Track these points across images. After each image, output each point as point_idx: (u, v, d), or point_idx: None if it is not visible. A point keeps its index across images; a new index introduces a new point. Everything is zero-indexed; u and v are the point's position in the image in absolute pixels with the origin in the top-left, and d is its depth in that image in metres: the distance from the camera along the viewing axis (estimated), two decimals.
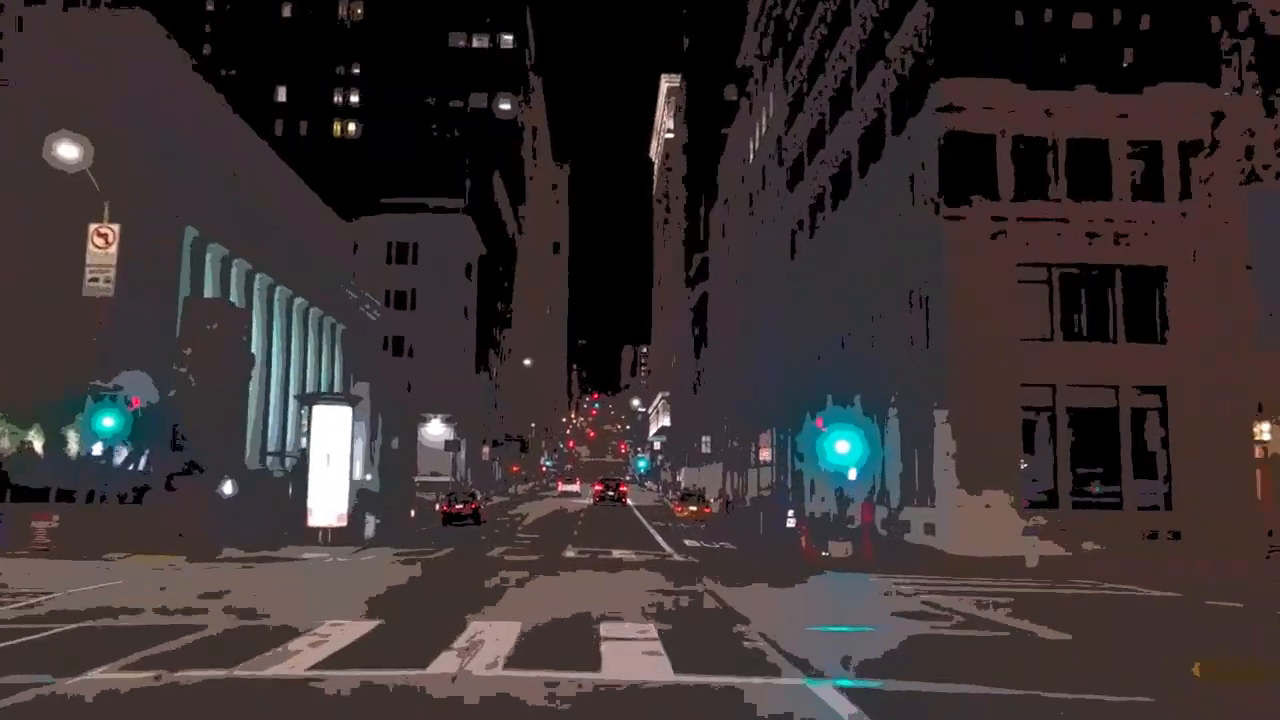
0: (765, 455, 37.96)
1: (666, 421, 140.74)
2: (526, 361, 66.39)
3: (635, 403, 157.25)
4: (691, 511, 44.97)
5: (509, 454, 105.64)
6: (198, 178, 36.41)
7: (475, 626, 12.06)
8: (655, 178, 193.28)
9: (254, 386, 43.42)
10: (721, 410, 68.63)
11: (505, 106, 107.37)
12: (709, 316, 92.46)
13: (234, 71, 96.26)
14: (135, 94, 31.82)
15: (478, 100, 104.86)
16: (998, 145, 27.59)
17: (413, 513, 37.61)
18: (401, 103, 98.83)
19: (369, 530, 31.18)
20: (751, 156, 63.26)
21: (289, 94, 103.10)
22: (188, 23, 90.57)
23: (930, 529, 28.15)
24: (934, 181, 28.36)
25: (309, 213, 51.36)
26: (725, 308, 77.00)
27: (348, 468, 29.07)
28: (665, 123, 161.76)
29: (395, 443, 62.46)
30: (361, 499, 32.82)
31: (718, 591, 17.64)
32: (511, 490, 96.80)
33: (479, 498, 40.04)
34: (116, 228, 23.66)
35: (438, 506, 39.79)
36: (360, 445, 62.87)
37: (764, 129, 59.24)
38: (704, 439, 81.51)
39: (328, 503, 28.64)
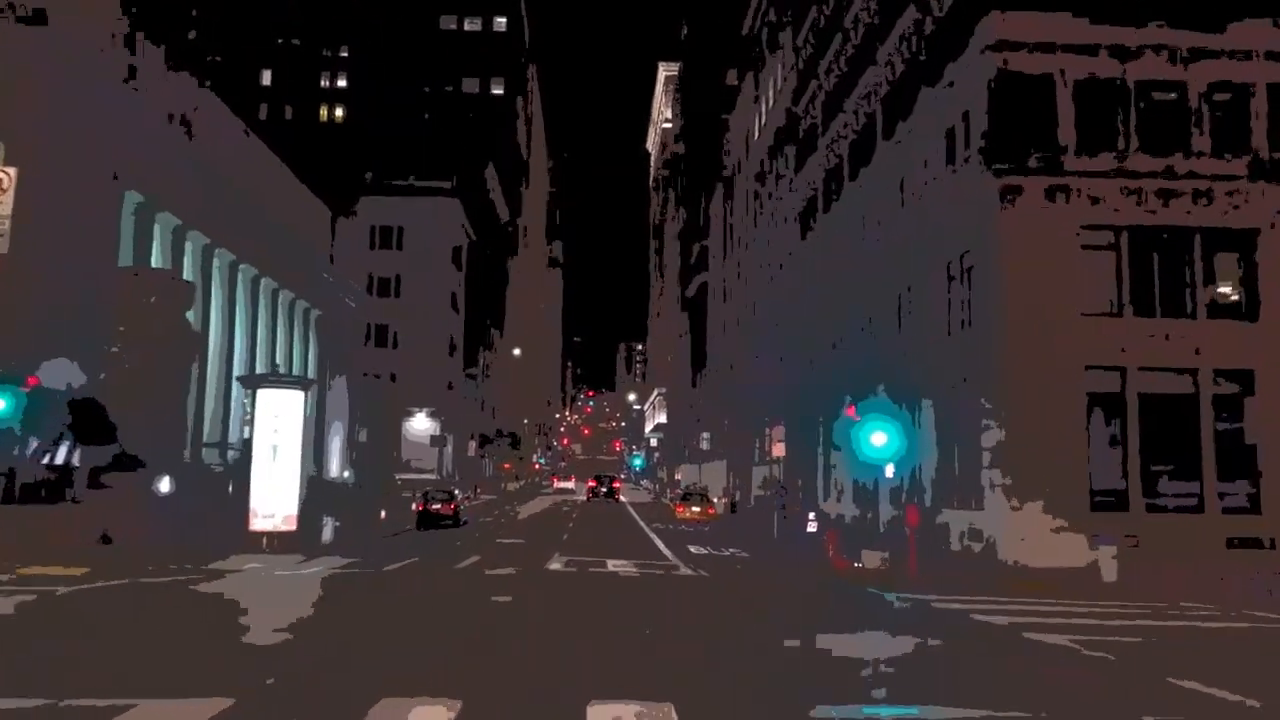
0: (778, 450, 33.75)
1: (663, 419, 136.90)
2: (516, 351, 62.39)
3: (631, 398, 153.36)
4: (694, 513, 41.09)
5: (500, 451, 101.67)
6: (144, 138, 32.36)
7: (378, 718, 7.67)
8: (652, 170, 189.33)
9: (212, 373, 39.40)
10: (724, 404, 64.70)
11: (498, 91, 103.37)
12: (709, 308, 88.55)
13: (219, 57, 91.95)
14: (64, 40, 27.79)
15: (470, 85, 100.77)
16: (1057, 90, 23.71)
17: (383, 514, 33.62)
18: (391, 86, 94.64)
19: (326, 534, 27.20)
20: (756, 133, 59.30)
21: (274, 78, 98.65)
22: (172, 7, 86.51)
23: (976, 534, 24.24)
24: (980, 134, 24.42)
25: (284, 191, 47.33)
26: (726, 297, 73.09)
27: (298, 462, 25.06)
28: (663, 112, 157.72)
29: (371, 437, 58.53)
30: (316, 495, 28.68)
31: (751, 629, 13.67)
32: (503, 487, 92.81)
33: (459, 496, 36.02)
34: (13, 172, 19.60)
35: (414, 506, 35.85)
36: (339, 440, 58.93)
37: (770, 103, 55.28)
38: (703, 435, 77.63)
39: (273, 502, 24.62)
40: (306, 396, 26.35)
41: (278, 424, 24.83)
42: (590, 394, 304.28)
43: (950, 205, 26.57)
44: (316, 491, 29.22)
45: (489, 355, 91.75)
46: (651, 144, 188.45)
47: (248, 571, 19.91)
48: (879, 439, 21.06)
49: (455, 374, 72.22)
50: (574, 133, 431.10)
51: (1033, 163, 23.46)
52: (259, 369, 44.11)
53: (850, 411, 22.82)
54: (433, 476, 68.00)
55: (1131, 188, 23.30)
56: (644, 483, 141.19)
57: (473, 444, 70.39)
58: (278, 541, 24.21)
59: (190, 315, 33.27)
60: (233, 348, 41.38)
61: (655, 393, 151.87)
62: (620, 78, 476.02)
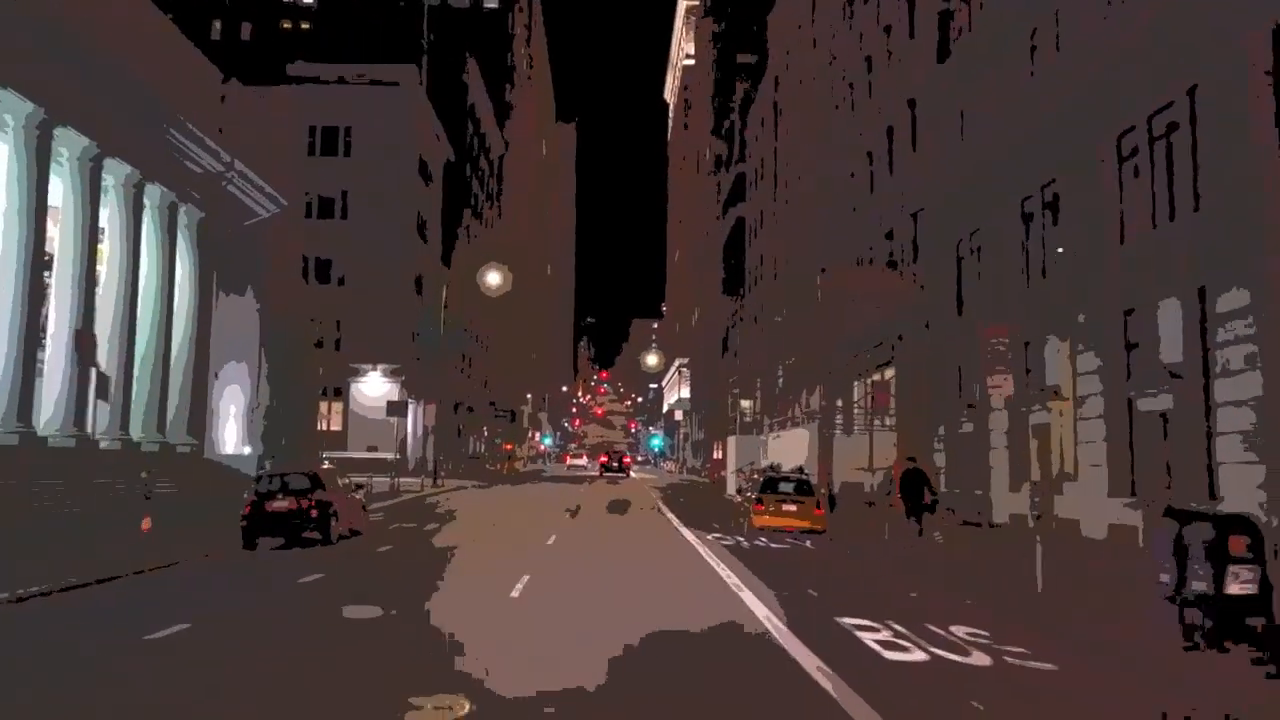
0: (1006, 389, 15.85)
1: (684, 393, 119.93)
2: (492, 278, 44.86)
3: (652, 361, 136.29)
4: (791, 519, 22.13)
5: (479, 424, 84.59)
6: None
7: None
8: (670, 121, 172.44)
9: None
10: (782, 357, 47.33)
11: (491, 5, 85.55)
12: (749, 244, 71.27)
13: None
14: None
15: None
16: None
17: (146, 522, 16.32)
18: None
19: None
20: None
21: None
22: None
23: None
24: None
25: (147, 44, 29.83)
26: (779, 217, 55.70)
27: None
28: (684, 49, 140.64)
29: (280, 396, 41.26)
30: None
31: None
32: (489, 468, 75.76)
33: (336, 486, 18.49)
34: None
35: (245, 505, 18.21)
36: (239, 405, 41.79)
37: None
38: (743, 404, 60.41)
39: None
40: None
41: None
42: (605, 375, 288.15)
43: None
44: None
45: (473, 317, 74.45)
46: (670, 93, 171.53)
47: None
48: None
49: (424, 322, 55.01)
50: (586, 105, 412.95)
51: None
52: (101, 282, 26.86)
53: None
54: (389, 456, 51.04)
55: None
56: (666, 464, 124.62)
57: (423, 406, 52.38)
58: None
59: None
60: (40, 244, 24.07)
61: (675, 365, 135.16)
62: (631, 38, 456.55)
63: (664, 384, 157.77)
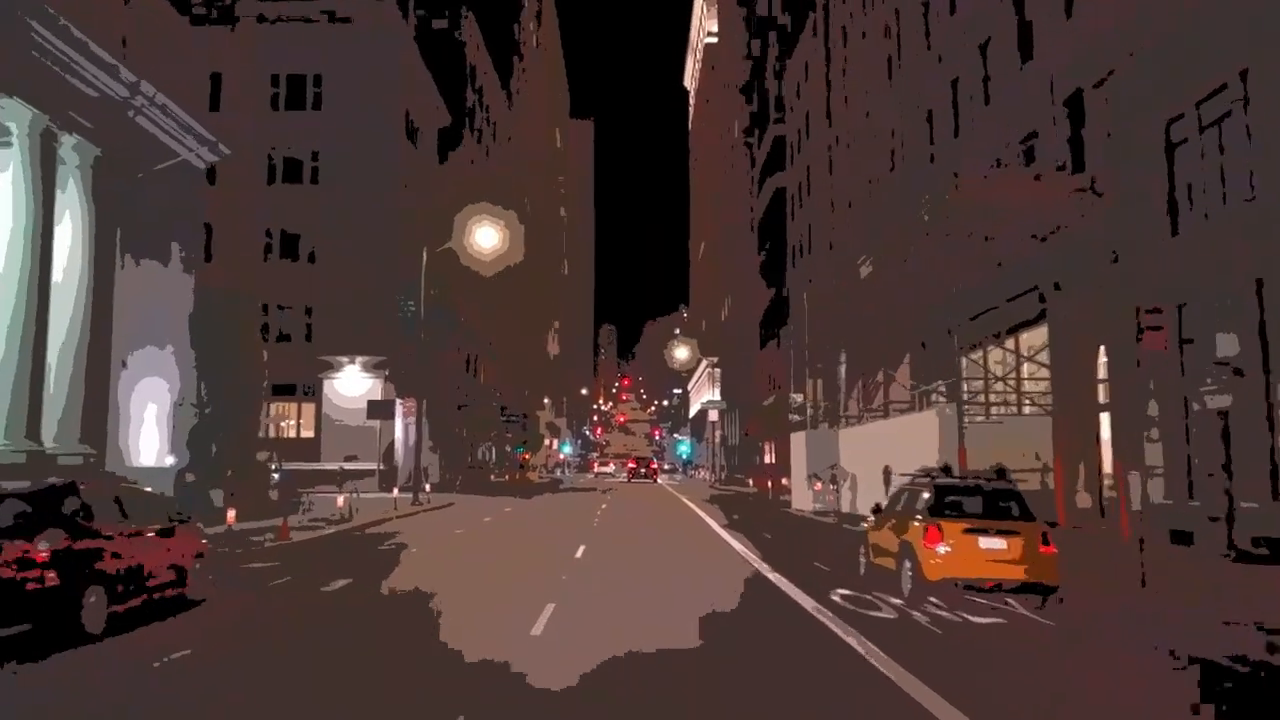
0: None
1: (713, 394, 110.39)
2: (484, 237, 35.08)
3: (682, 355, 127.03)
4: (1002, 563, 11.42)
5: (487, 430, 75.49)
6: None
7: None
8: (691, 108, 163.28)
9: None
10: (844, 338, 37.75)
11: None
12: (790, 217, 61.93)
13: None
14: None
15: None
16: None
17: None
18: None
19: None
20: None
21: None
22: None
23: None
24: None
25: None
26: (839, 167, 46.33)
27: None
28: (706, 26, 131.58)
29: (207, 396, 32.09)
30: None
31: None
32: (494, 478, 66.69)
33: (118, 519, 9.35)
34: None
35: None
36: (162, 404, 32.77)
37: None
38: (794, 398, 50.81)
39: None
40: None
41: None
42: (627, 382, 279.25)
43: None
44: None
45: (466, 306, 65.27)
46: (691, 78, 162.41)
47: None
48: None
49: (415, 309, 45.61)
50: (601, 100, 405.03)
51: None
52: None
53: None
54: (370, 466, 41.89)
55: None
56: (695, 471, 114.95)
57: (404, 402, 41.92)
58: None
59: None
60: None
61: (703, 366, 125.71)
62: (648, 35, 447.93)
63: (690, 387, 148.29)
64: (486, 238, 36.09)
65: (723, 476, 78.58)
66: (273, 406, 43.63)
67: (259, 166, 44.89)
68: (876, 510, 14.18)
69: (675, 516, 29.53)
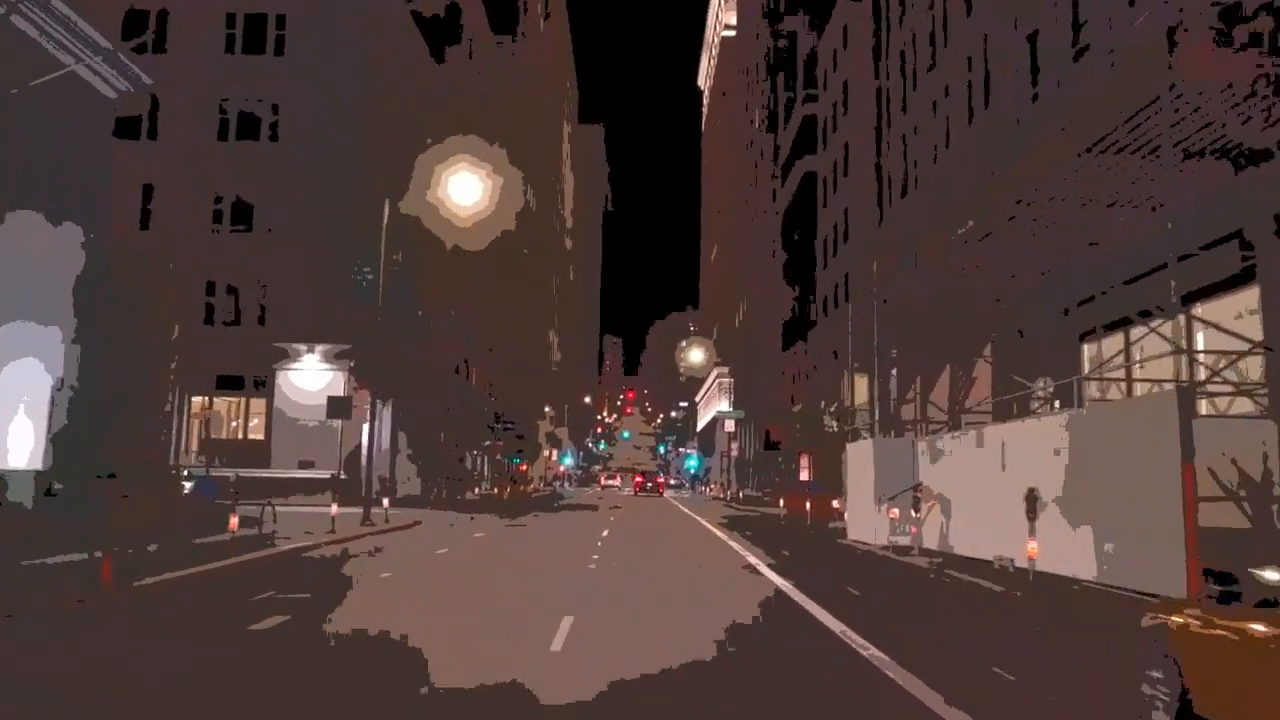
0: None
1: (724, 405, 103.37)
2: (463, 185, 28.20)
3: (697, 359, 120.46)
4: None
5: (480, 438, 68.48)
6: None
7: None
8: (705, 107, 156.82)
9: None
10: (910, 327, 30.63)
11: None
12: (822, 204, 55.08)
13: None
14: None
15: None
16: None
17: None
18: None
19: None
20: None
21: None
22: None
23: None
24: None
25: None
26: (889, 138, 39.36)
27: None
28: (723, 20, 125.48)
29: (98, 384, 24.95)
30: None
31: None
32: (477, 492, 59.68)
33: None
34: None
35: None
36: (38, 393, 25.47)
37: None
38: (819, 404, 43.78)
39: None
40: None
41: None
42: (631, 395, 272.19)
43: None
44: None
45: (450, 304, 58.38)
46: (705, 77, 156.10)
47: None
48: None
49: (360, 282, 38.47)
50: (611, 106, 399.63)
51: None
52: None
53: None
54: (328, 475, 34.79)
55: None
56: (705, 488, 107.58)
57: (363, 404, 33.34)
58: None
59: None
60: None
61: (714, 376, 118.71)
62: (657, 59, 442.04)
63: (699, 399, 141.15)
64: (466, 185, 28.83)
65: (739, 494, 71.29)
66: (214, 402, 36.70)
67: (209, 119, 38.15)
68: (1225, 587, 6.06)
69: (704, 552, 21.93)
